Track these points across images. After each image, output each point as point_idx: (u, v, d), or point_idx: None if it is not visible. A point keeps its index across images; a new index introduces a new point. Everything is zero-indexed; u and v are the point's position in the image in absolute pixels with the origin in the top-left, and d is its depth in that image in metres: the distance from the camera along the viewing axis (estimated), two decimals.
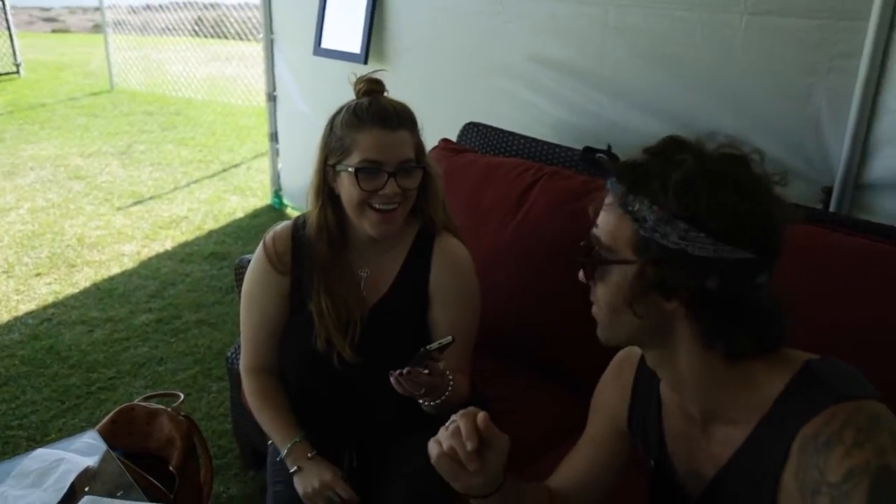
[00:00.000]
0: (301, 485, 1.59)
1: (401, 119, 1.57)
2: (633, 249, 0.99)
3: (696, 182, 0.95)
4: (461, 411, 1.10)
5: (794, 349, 1.03)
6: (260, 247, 1.73)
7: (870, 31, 2.01)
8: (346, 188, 1.58)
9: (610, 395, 1.27)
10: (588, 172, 1.08)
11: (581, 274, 1.08)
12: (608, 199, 1.03)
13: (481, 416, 1.08)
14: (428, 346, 1.36)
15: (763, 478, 0.98)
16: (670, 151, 1.00)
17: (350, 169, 1.55)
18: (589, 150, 1.08)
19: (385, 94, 1.64)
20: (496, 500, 1.15)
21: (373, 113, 1.55)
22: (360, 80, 1.63)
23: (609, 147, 1.07)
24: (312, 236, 1.66)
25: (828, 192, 2.21)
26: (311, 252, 1.67)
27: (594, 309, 1.08)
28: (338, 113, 1.60)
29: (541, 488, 1.27)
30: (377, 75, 1.65)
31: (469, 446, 1.06)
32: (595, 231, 1.05)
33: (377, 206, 1.57)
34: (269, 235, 1.73)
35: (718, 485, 1.07)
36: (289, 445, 1.63)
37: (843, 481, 0.87)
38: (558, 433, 1.85)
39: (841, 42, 2.10)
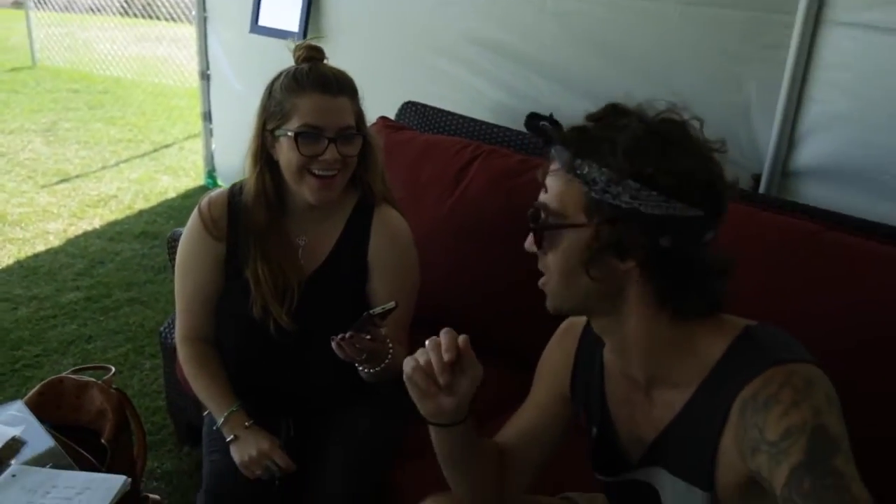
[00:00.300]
0: (238, 454, 1.58)
1: (341, 85, 1.57)
2: (585, 212, 1.01)
3: (645, 142, 0.98)
4: (443, 329, 1.11)
5: (732, 316, 1.07)
6: (195, 213, 1.71)
7: (797, 24, 2.09)
8: (286, 153, 1.57)
9: (554, 360, 1.30)
10: (532, 140, 1.10)
11: (529, 242, 1.09)
12: (554, 166, 1.05)
13: (462, 336, 1.09)
14: (371, 311, 1.36)
15: (702, 440, 1.02)
16: (614, 116, 1.03)
17: (290, 133, 1.54)
18: (534, 117, 1.09)
19: (325, 61, 1.64)
20: (457, 434, 1.16)
21: (313, 78, 1.55)
22: (299, 47, 1.62)
23: (551, 115, 1.08)
24: (249, 202, 1.64)
25: (757, 178, 2.29)
26: (247, 218, 1.65)
27: (543, 279, 1.09)
28: (277, 78, 1.59)
29: (491, 443, 1.29)
30: (317, 43, 1.65)
31: (446, 357, 1.06)
32: (542, 198, 1.06)
33: (317, 171, 1.56)
34: (204, 201, 1.71)
35: (658, 447, 1.11)
36: (225, 414, 1.61)
37: (782, 439, 0.90)
38: (497, 406, 1.87)
39: (769, 33, 2.17)
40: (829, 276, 1.62)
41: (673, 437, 1.08)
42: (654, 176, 0.97)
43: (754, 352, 1.00)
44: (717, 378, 1.02)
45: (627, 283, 1.04)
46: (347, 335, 1.38)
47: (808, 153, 2.20)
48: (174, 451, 2.40)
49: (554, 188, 1.05)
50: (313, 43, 1.64)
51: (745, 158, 2.31)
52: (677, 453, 1.08)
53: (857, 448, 0.91)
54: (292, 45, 1.66)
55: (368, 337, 1.40)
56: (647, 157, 0.97)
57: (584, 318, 1.27)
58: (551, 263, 1.06)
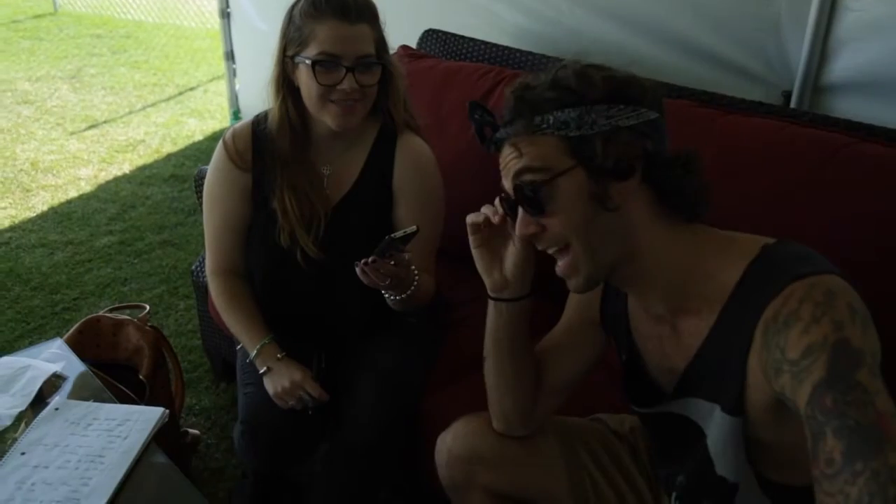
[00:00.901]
0: (271, 385, 1.61)
1: (360, 11, 1.53)
2: (570, 155, 1.01)
3: (587, 71, 1.03)
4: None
5: (747, 234, 1.06)
6: (219, 145, 1.71)
7: None
8: (305, 81, 1.55)
9: None
10: (477, 134, 1.11)
11: (524, 222, 1.06)
12: (510, 143, 1.06)
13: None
14: (392, 235, 1.36)
15: (730, 364, 1.01)
16: (534, 76, 1.07)
17: (307, 61, 1.52)
18: (473, 108, 1.11)
19: None
20: (517, 311, 1.22)
21: (332, 3, 1.51)
22: None
23: (484, 106, 1.13)
24: (274, 131, 1.64)
25: (787, 95, 2.23)
26: (272, 148, 1.65)
27: (562, 258, 1.06)
28: (297, 2, 1.57)
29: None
30: None
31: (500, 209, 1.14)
32: (517, 168, 1.04)
33: (335, 100, 1.55)
34: (227, 134, 1.71)
35: (690, 375, 1.10)
36: (258, 347, 1.64)
37: (803, 357, 0.88)
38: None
39: None
40: (862, 188, 1.58)
41: (702, 365, 1.08)
42: (613, 93, 1.01)
43: (772, 269, 0.98)
44: (738, 300, 1.01)
45: (632, 203, 1.04)
46: (370, 260, 1.38)
47: (842, 66, 2.12)
48: (211, 388, 2.46)
49: (525, 154, 1.04)
50: None
51: (774, 74, 2.24)
52: (708, 380, 1.07)
53: (888, 359, 0.89)
54: None
55: (392, 262, 1.40)
56: (598, 82, 1.02)
57: None
58: (560, 226, 1.04)
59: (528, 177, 1.03)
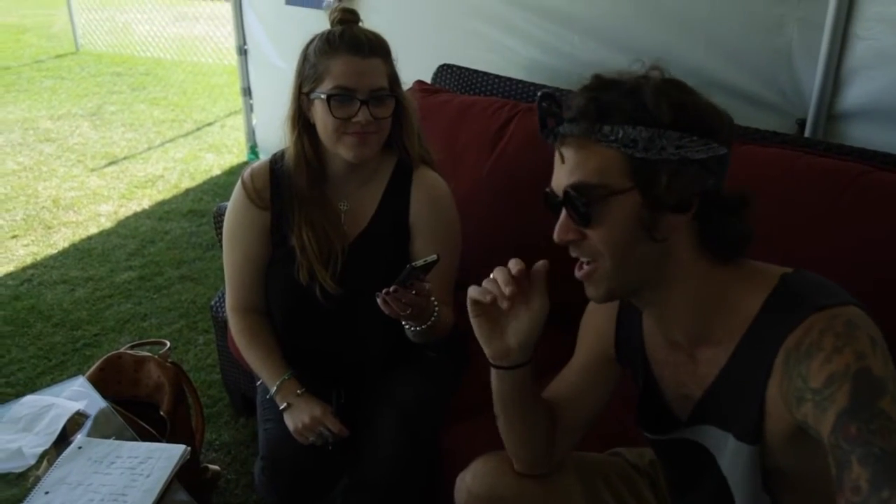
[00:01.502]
0: (291, 421, 1.62)
1: (373, 47, 1.57)
2: (630, 176, 0.98)
3: (668, 92, 0.98)
4: (513, 259, 1.12)
5: (767, 264, 1.06)
6: (238, 185, 1.73)
7: None
8: (321, 116, 1.58)
9: (598, 321, 1.29)
10: (539, 121, 1.07)
11: (563, 230, 1.03)
12: (569, 144, 1.01)
13: (542, 262, 1.12)
14: (413, 264, 1.37)
15: (748, 394, 1.01)
16: (612, 82, 1.01)
17: (323, 96, 1.55)
18: (544, 98, 1.07)
19: (359, 23, 1.64)
20: (519, 378, 1.18)
21: (346, 40, 1.56)
22: (334, 10, 1.63)
23: (554, 92, 1.07)
24: (291, 168, 1.67)
25: (801, 123, 2.23)
26: (290, 185, 1.68)
27: (589, 267, 1.04)
28: (311, 41, 1.61)
29: (545, 398, 1.30)
30: (351, 5, 1.65)
31: (507, 291, 1.08)
32: (570, 178, 1.01)
33: (351, 132, 1.57)
34: (246, 173, 1.74)
35: (706, 404, 1.10)
36: (278, 383, 1.65)
37: (825, 386, 0.89)
38: (541, 367, 1.87)
39: None
40: (878, 217, 1.58)
41: (718, 394, 1.08)
42: (689, 121, 0.97)
43: (793, 300, 0.99)
44: (757, 330, 1.01)
45: (676, 237, 1.02)
46: (392, 289, 1.39)
47: (855, 94, 2.13)
48: (231, 423, 2.46)
49: (584, 163, 1.00)
50: (347, 5, 1.65)
51: (788, 103, 2.25)
52: (724, 409, 1.07)
53: None
54: (329, 9, 1.67)
55: (413, 291, 1.41)
56: (676, 106, 0.97)
57: None
58: (600, 242, 1.01)
59: (582, 188, 1.00)
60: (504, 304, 1.11)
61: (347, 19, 1.62)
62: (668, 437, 1.19)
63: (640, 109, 0.96)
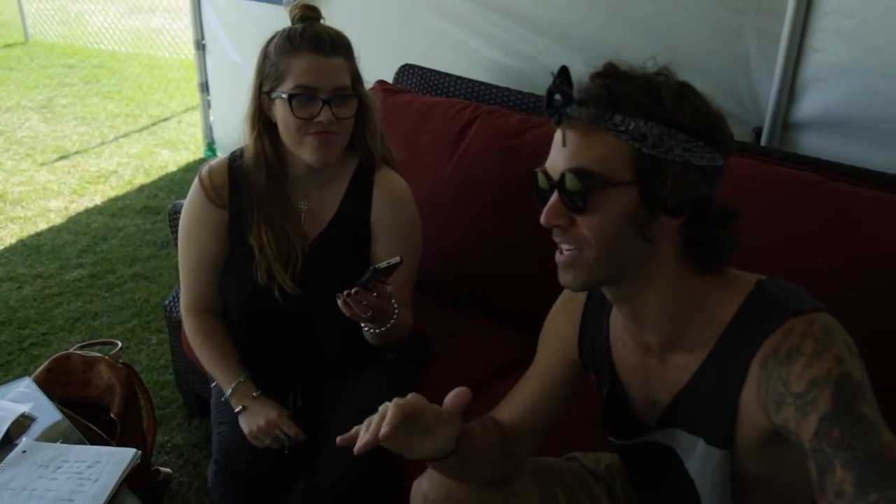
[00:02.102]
0: (246, 424, 1.59)
1: (335, 45, 1.55)
2: (633, 170, 0.96)
3: (685, 93, 0.97)
4: (395, 401, 1.07)
5: (742, 271, 1.06)
6: (195, 182, 1.70)
7: None
8: (282, 116, 1.56)
9: (560, 325, 1.29)
10: (546, 99, 1.02)
11: (552, 214, 1.00)
12: (575, 125, 0.98)
13: (461, 390, 1.07)
14: (377, 266, 1.35)
15: (720, 399, 1.01)
16: (625, 73, 0.99)
17: (284, 95, 1.53)
18: (562, 72, 1.04)
19: (321, 21, 1.61)
20: (452, 463, 1.14)
21: (307, 38, 1.53)
22: (295, 7, 1.59)
23: (563, 73, 1.04)
24: (250, 167, 1.63)
25: (758, 132, 2.27)
26: (249, 183, 1.65)
27: (572, 253, 1.02)
28: (272, 38, 1.58)
29: (489, 424, 1.27)
30: (313, 2, 1.62)
31: (381, 434, 1.02)
32: (571, 162, 0.98)
33: (313, 133, 1.55)
34: (204, 170, 1.70)
35: (676, 408, 1.10)
36: (233, 385, 1.62)
37: (807, 390, 0.89)
38: (500, 370, 1.88)
39: None
40: (833, 226, 1.61)
41: (689, 399, 1.08)
42: (700, 126, 0.96)
43: (769, 306, 0.99)
44: (732, 335, 1.02)
45: (663, 239, 1.01)
46: (353, 291, 1.37)
47: (810, 104, 2.17)
48: (184, 425, 2.41)
49: (588, 148, 0.97)
50: (308, 2, 1.61)
51: (745, 111, 2.29)
52: (695, 414, 1.08)
53: None
54: (289, 5, 1.63)
55: (374, 293, 1.40)
56: (692, 108, 0.96)
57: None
58: (589, 231, 0.99)
59: (582, 174, 0.97)
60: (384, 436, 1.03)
61: (308, 16, 1.59)
62: (633, 442, 1.19)
63: (656, 105, 0.95)
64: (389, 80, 2.59)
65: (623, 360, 1.19)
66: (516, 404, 1.30)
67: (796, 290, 1.01)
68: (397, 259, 1.36)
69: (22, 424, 1.55)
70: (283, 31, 1.57)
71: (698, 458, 1.08)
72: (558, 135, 1.02)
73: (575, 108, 0.98)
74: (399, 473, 1.62)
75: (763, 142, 2.24)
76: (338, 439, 1.09)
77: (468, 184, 2.07)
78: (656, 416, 1.14)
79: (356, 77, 1.61)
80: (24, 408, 1.58)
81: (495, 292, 2.06)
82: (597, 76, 1.00)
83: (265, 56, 1.58)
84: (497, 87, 2.35)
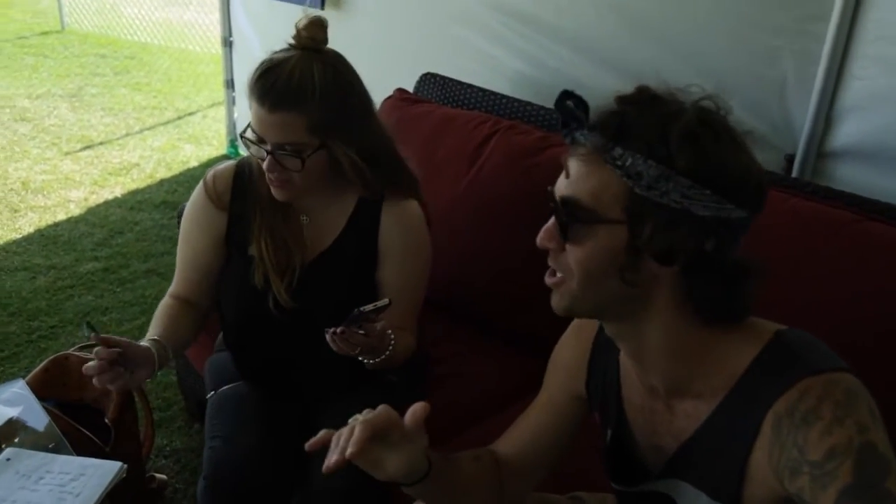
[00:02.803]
0: None
1: (282, 100, 1.41)
2: (624, 209, 0.90)
3: (700, 134, 0.88)
4: (364, 415, 1.02)
5: (760, 318, 0.98)
6: (200, 184, 1.67)
7: None
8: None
9: (569, 356, 1.22)
10: (560, 119, 0.97)
11: (546, 237, 0.96)
12: (580, 151, 0.93)
13: (419, 405, 1.02)
14: (362, 308, 1.29)
15: (729, 454, 0.95)
16: (651, 102, 0.92)
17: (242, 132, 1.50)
18: (565, 95, 0.98)
19: (320, 48, 1.49)
20: (428, 486, 1.07)
21: (258, 86, 1.43)
22: (297, 27, 1.49)
23: (578, 95, 0.98)
24: (256, 175, 1.59)
25: (790, 159, 2.18)
26: (253, 190, 1.60)
27: (556, 278, 0.98)
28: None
29: (482, 455, 1.21)
30: (324, 22, 1.50)
31: (348, 454, 0.96)
32: (568, 189, 0.93)
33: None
34: (209, 173, 1.67)
35: (681, 458, 1.03)
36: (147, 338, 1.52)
37: (826, 460, 0.82)
38: (505, 394, 1.83)
39: (809, 4, 2.05)
40: (866, 269, 1.52)
41: (696, 450, 1.01)
42: (708, 173, 0.88)
43: (786, 360, 0.92)
44: (745, 388, 0.94)
45: (656, 286, 0.94)
46: (339, 330, 1.31)
47: (847, 133, 2.08)
48: (184, 428, 2.37)
49: (584, 178, 0.92)
50: (313, 28, 1.48)
51: (778, 137, 2.20)
52: (701, 466, 1.01)
53: None
54: (303, 21, 1.55)
55: (361, 332, 1.34)
56: (700, 152, 0.87)
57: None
58: (573, 262, 0.94)
59: (572, 204, 0.93)
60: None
61: (304, 46, 1.47)
62: (635, 490, 1.12)
63: (660, 143, 0.87)
64: (410, 87, 2.53)
65: (631, 400, 1.12)
66: (518, 437, 1.24)
67: (818, 345, 0.93)
68: (385, 301, 1.30)
69: (11, 429, 1.50)
70: (261, 62, 1.48)
71: None
72: (569, 158, 0.96)
73: (585, 132, 0.93)
74: (395, 489, 1.57)
75: (796, 169, 2.16)
76: (306, 445, 1.05)
77: (483, 200, 2.01)
78: (660, 463, 1.07)
79: (321, 127, 1.45)
80: (13, 412, 1.54)
81: (509, 313, 2.00)
82: (619, 99, 0.93)
83: None
84: (518, 101, 2.29)
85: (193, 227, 1.68)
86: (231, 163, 1.69)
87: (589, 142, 0.92)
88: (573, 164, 0.94)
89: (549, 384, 1.26)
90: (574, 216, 0.92)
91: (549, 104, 2.29)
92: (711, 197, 0.88)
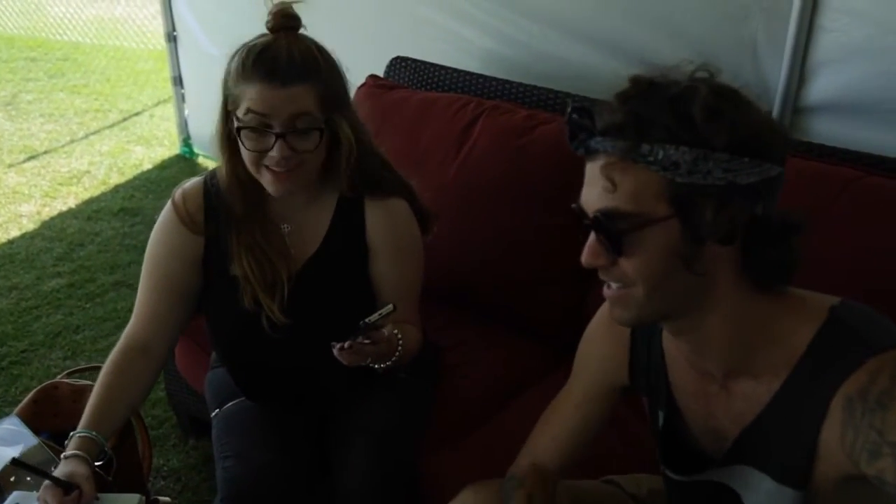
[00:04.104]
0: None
1: (295, 72, 1.34)
2: (668, 202, 0.88)
3: (721, 107, 0.87)
4: None
5: (812, 292, 0.97)
6: (168, 205, 1.55)
7: None
8: (241, 144, 1.40)
9: (605, 349, 1.19)
10: (568, 133, 0.93)
11: (592, 255, 0.93)
12: (601, 161, 0.91)
13: None
14: (368, 319, 1.25)
15: (795, 435, 0.93)
16: (651, 89, 0.90)
17: (237, 125, 1.38)
18: (575, 111, 0.95)
19: (299, 30, 1.42)
20: None
21: (261, 63, 1.34)
22: (270, 11, 1.41)
23: (582, 105, 0.95)
24: (224, 190, 1.49)
25: None
26: (225, 208, 1.51)
27: (613, 290, 0.95)
28: (234, 54, 1.39)
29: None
30: (294, 6, 1.42)
31: None
32: (602, 201, 0.90)
33: (269, 166, 1.40)
34: (177, 193, 1.55)
35: (745, 442, 1.02)
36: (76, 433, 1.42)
37: None
38: (514, 381, 1.82)
39: None
40: (878, 225, 1.53)
41: (760, 432, 0.99)
42: (742, 141, 0.87)
43: (848, 338, 0.90)
44: (807, 367, 0.93)
45: (718, 268, 0.92)
46: (346, 345, 1.27)
47: (822, 87, 2.09)
48: (179, 446, 2.30)
49: (618, 185, 0.89)
50: (288, 8, 1.41)
51: (752, 96, 2.19)
52: (765, 449, 0.99)
53: None
54: (270, 4, 1.47)
55: (368, 342, 1.29)
56: (729, 124, 0.87)
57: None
58: (632, 271, 0.92)
59: (614, 215, 0.90)
60: None
61: (283, 26, 1.39)
62: (692, 479, 1.10)
63: (686, 126, 0.86)
64: (378, 73, 2.46)
65: (681, 385, 1.10)
66: (553, 443, 1.23)
67: (875, 318, 0.92)
68: (390, 308, 1.26)
69: (12, 472, 1.42)
70: (243, 48, 1.39)
71: (765, 496, 1.00)
72: (587, 168, 0.94)
73: (599, 140, 0.90)
74: (422, 498, 1.55)
75: None
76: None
77: (474, 186, 1.96)
78: (722, 448, 1.05)
79: (329, 101, 1.40)
80: (13, 452, 1.46)
81: (505, 298, 1.97)
82: (621, 98, 0.91)
83: (227, 74, 1.40)
84: (496, 80, 2.24)
85: (165, 252, 1.55)
86: (197, 179, 1.58)
87: (609, 148, 0.89)
88: (599, 174, 0.91)
89: (580, 379, 1.24)
90: (620, 226, 0.89)
91: (525, 80, 2.28)
92: (751, 163, 0.87)
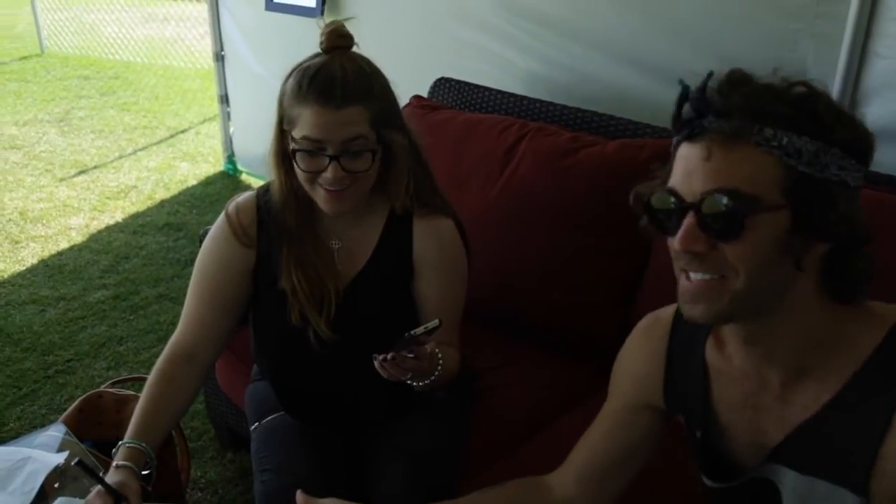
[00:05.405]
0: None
1: (349, 93, 1.36)
2: (784, 192, 0.86)
3: (835, 106, 0.88)
4: None
5: (876, 301, 0.96)
6: (222, 218, 1.58)
7: None
8: (297, 163, 1.42)
9: (638, 366, 1.17)
10: (676, 122, 0.90)
11: (692, 239, 0.89)
12: (714, 141, 0.87)
13: None
14: (413, 332, 1.24)
15: (855, 441, 0.92)
16: (749, 80, 0.90)
17: (292, 145, 1.40)
18: (685, 97, 0.93)
19: (353, 48, 1.45)
20: None
21: (316, 85, 1.36)
22: (324, 31, 1.43)
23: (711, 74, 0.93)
24: (278, 205, 1.51)
25: None
26: (277, 222, 1.52)
27: (704, 281, 0.91)
28: (290, 75, 1.42)
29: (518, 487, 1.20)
30: (346, 25, 1.44)
31: None
32: (711, 181, 0.87)
33: (323, 185, 1.41)
34: (231, 206, 1.58)
35: (788, 446, 0.99)
36: (123, 443, 1.43)
37: None
38: (555, 404, 1.79)
39: None
40: None
41: (809, 435, 0.97)
42: (853, 143, 0.88)
43: None
44: (871, 373, 0.91)
45: (807, 267, 0.91)
46: (389, 356, 1.27)
47: (874, 114, 2.04)
48: (217, 459, 2.32)
49: (735, 165, 0.86)
50: (341, 28, 1.44)
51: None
52: (814, 453, 0.97)
53: None
54: (321, 25, 1.50)
55: (411, 355, 1.29)
56: (849, 123, 0.88)
57: (667, 315, 1.14)
58: (736, 259, 0.88)
59: (733, 195, 0.86)
60: None
61: (336, 46, 1.42)
62: (730, 485, 1.08)
63: (807, 118, 0.86)
64: (422, 93, 2.48)
65: (725, 399, 1.07)
66: (586, 454, 1.21)
67: None
68: (436, 322, 1.23)
69: (55, 474, 1.45)
70: (298, 68, 1.42)
71: (815, 499, 0.98)
72: (691, 150, 0.90)
73: (714, 119, 0.88)
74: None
75: None
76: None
77: (517, 207, 1.96)
78: (762, 455, 1.03)
79: (382, 119, 1.41)
80: (59, 458, 1.48)
81: (546, 321, 1.96)
82: (732, 84, 0.89)
83: (282, 94, 1.43)
84: (539, 102, 2.24)
85: (215, 265, 1.57)
86: (250, 193, 1.61)
87: (727, 128, 0.86)
88: (711, 154, 0.87)
89: (614, 394, 1.22)
90: (736, 207, 0.86)
91: (567, 102, 2.27)
92: (856, 166, 0.88)
